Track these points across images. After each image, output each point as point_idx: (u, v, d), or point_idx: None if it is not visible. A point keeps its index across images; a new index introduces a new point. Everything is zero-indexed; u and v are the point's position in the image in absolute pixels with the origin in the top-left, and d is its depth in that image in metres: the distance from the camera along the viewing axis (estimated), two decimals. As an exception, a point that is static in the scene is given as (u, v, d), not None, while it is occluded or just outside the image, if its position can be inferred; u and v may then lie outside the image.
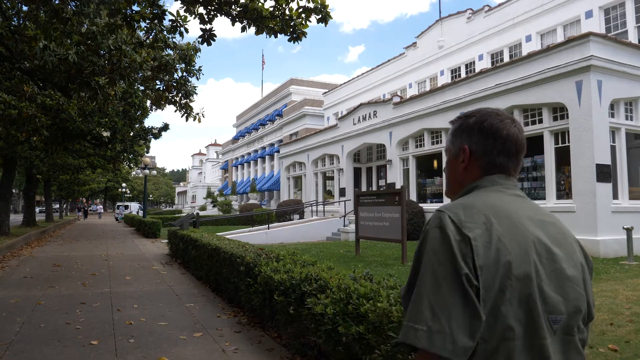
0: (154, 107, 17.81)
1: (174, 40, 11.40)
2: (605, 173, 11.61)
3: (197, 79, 11.86)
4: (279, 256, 5.87)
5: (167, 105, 17.10)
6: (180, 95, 12.02)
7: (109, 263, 11.79)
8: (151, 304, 6.90)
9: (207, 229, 18.71)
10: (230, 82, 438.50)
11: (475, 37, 20.78)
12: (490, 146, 1.27)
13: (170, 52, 11.45)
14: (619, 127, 12.20)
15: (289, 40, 7.14)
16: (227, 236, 13.03)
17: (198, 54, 11.13)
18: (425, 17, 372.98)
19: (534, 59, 12.85)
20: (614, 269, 9.61)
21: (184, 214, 42.57)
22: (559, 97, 12.26)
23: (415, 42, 24.68)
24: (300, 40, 7.03)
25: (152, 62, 11.07)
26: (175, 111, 12.29)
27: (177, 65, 11.44)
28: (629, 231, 10.63)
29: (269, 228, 18.55)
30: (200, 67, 11.69)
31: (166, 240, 17.69)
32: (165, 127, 21.50)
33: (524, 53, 17.33)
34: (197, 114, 12.28)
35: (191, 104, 12.33)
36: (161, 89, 12.40)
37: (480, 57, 20.52)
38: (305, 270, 4.78)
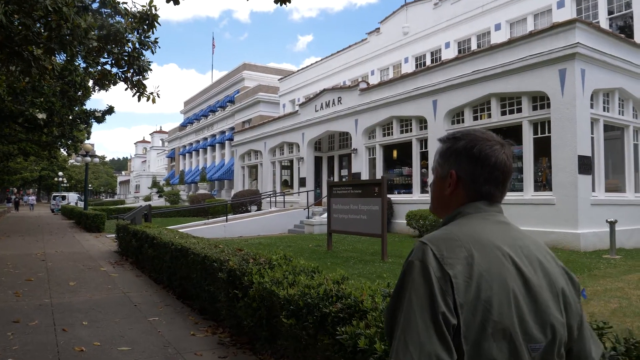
0: (97, 87, 16.08)
1: (125, 5, 9.93)
2: (586, 165, 11.25)
3: (153, 52, 10.42)
4: (271, 261, 4.78)
5: (112, 85, 15.41)
6: (132, 71, 10.54)
7: (48, 264, 10.18)
8: (105, 320, 5.61)
9: (155, 222, 17.13)
10: (175, 68, 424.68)
11: (442, 24, 20.22)
12: (477, 174, 1.26)
13: (121, 19, 9.96)
14: (598, 118, 11.88)
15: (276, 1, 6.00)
16: (180, 230, 11.72)
17: (156, 22, 9.64)
18: (375, 9, 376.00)
19: (515, 45, 12.30)
20: (602, 264, 9.22)
21: (129, 205, 40.08)
22: (540, 85, 11.77)
23: (379, 28, 23.88)
24: (290, 2, 5.90)
25: (98, 30, 9.55)
26: (126, 89, 10.81)
27: (129, 36, 9.96)
28: (612, 224, 10.30)
29: (227, 220, 17.24)
30: (156, 39, 10.25)
31: (112, 235, 16.02)
32: (110, 110, 19.58)
33: (493, 42, 16.91)
34: (151, 93, 10.88)
35: (145, 81, 10.89)
36: (109, 62, 10.84)
37: (447, 45, 20.00)
38: (316, 281, 3.75)
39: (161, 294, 7.16)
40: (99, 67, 13.04)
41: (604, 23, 14.83)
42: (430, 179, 1.67)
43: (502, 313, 1.09)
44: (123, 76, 10.53)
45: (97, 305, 6.37)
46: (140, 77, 10.58)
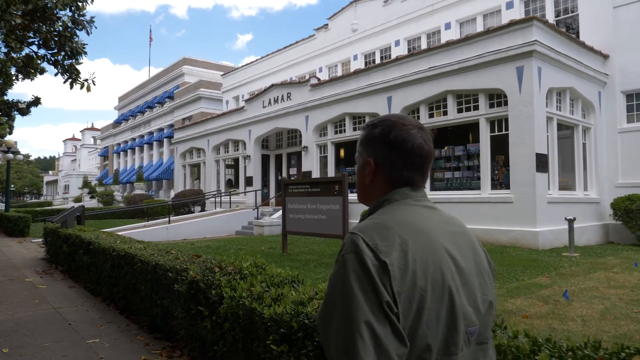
0: (20, 76, 14.46)
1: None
2: (543, 163, 11.26)
3: (88, 33, 9.24)
4: (242, 270, 4.02)
5: (38, 73, 13.95)
6: (63, 53, 9.32)
7: (-41, 274, 8.77)
8: (32, 345, 4.61)
9: (88, 225, 15.63)
10: (108, 63, 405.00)
11: (392, 21, 19.99)
12: (395, 160, 1.25)
13: (51, -6, 8.75)
14: (552, 116, 11.96)
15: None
16: (118, 233, 10.59)
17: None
18: (315, 9, 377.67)
19: (472, 42, 12.14)
20: (565, 263, 9.15)
21: (58, 207, 37.19)
22: (498, 82, 11.68)
23: (327, 24, 23.38)
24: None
25: (23, 4, 8.33)
26: (57, 75, 9.58)
27: (60, 13, 8.77)
28: (570, 222, 10.32)
29: (169, 222, 16.04)
30: (92, 17, 9.10)
31: (39, 240, 14.42)
32: (37, 102, 17.68)
33: (443, 41, 16.86)
34: (86, 80, 9.68)
35: (78, 66, 9.70)
36: (36, 43, 9.55)
37: (397, 43, 19.81)
38: (304, 295, 3.08)
39: (100, 308, 6.16)
40: (23, 53, 11.62)
41: (551, 24, 15.09)
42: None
43: (437, 299, 1.07)
44: (53, 59, 9.29)
45: (21, 325, 5.31)
46: (73, 60, 9.39)
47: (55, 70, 9.65)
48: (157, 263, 4.91)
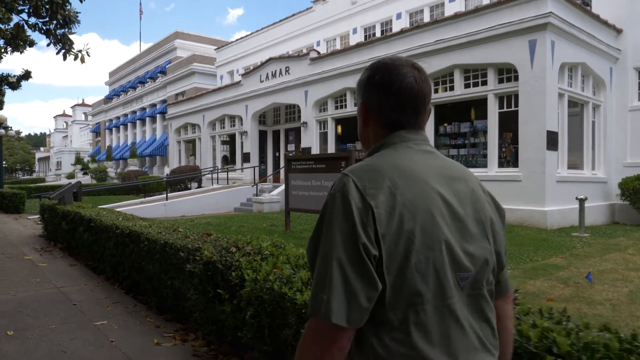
0: (9, 48, 13.90)
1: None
2: (553, 140, 11.01)
3: (81, 0, 8.73)
4: (261, 249, 3.75)
5: (28, 46, 13.44)
6: (55, 22, 8.84)
7: (-47, 252, 8.45)
8: (37, 326, 4.35)
9: (84, 201, 15.23)
10: (96, 38, 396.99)
11: (394, -7, 19.43)
12: (382, 102, 1.23)
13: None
14: (564, 93, 11.64)
15: None
16: (116, 209, 10.30)
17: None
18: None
19: (482, 13, 11.73)
20: (577, 243, 8.98)
21: (51, 183, 36.68)
22: (508, 57, 11.32)
23: (326, -4, 22.72)
24: None
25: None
26: (49, 45, 9.12)
27: (52, -23, 8.27)
28: (581, 202, 10.14)
29: (167, 199, 15.71)
30: (87, -18, 8.59)
31: (35, 216, 14.09)
32: (27, 75, 17.02)
33: (447, 13, 16.39)
34: (80, 51, 9.22)
35: (71, 36, 9.24)
36: (26, 11, 9.06)
37: (399, 16, 19.29)
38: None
39: (104, 287, 5.90)
40: (12, 23, 11.10)
41: None
42: None
43: (425, 243, 1.06)
44: (44, 28, 8.82)
45: (24, 305, 5.04)
46: (66, 29, 8.92)
47: (47, 41, 9.20)
48: (166, 242, 4.63)
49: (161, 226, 5.64)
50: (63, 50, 8.90)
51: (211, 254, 3.76)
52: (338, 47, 21.62)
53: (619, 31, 13.17)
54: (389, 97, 1.21)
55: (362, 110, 1.28)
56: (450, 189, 1.16)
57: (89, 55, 9.09)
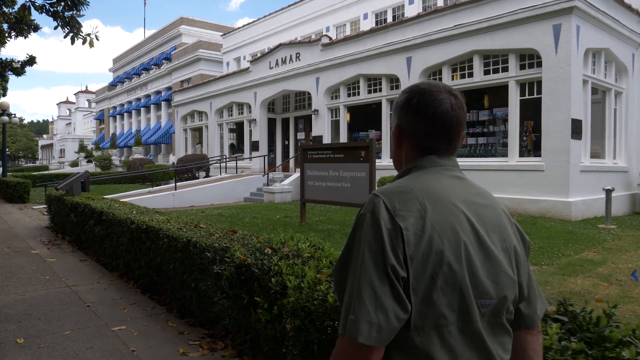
0: (13, 33, 13.49)
1: None
2: (578, 129, 10.59)
3: (90, -20, 8.29)
4: (300, 251, 3.38)
5: (32, 30, 13.08)
6: (63, 3, 8.42)
7: (-42, 245, 8.13)
8: (50, 333, 4.01)
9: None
10: (98, 25, 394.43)
11: (407, -23, 18.83)
12: (417, 126, 1.24)
13: None
14: (587, 79, 11.19)
15: None
16: (123, 200, 9.98)
17: None
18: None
19: (504, -4, 11.23)
20: (607, 236, 8.62)
21: (55, 171, 36.40)
22: (531, 42, 10.85)
23: (336, -20, 22.11)
24: None
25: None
26: (56, 28, 8.69)
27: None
28: (608, 192, 9.76)
29: (175, 189, 15.36)
30: (95, -39, 8.16)
31: (41, 206, 13.79)
32: (32, 60, 16.61)
33: (463, -3, 15.82)
34: (89, 34, 8.81)
35: (79, 19, 8.82)
36: (31, -7, 8.63)
37: (411, 1, 18.71)
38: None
39: (119, 286, 5.57)
40: (18, 6, 10.70)
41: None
42: None
43: (452, 267, 1.07)
44: (52, 10, 8.39)
45: (34, 307, 4.71)
46: (74, 12, 8.51)
47: (55, 24, 8.78)
48: (189, 240, 4.28)
49: (180, 221, 5.29)
50: (71, 34, 8.48)
51: (244, 256, 3.39)
52: (348, 32, 21.07)
53: (642, 15, 12.66)
54: (424, 122, 1.21)
55: (397, 133, 1.28)
56: (477, 215, 1.16)
57: (97, 39, 8.67)
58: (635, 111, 12.88)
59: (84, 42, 8.80)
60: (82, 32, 8.76)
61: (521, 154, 11.57)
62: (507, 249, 1.17)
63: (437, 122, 1.20)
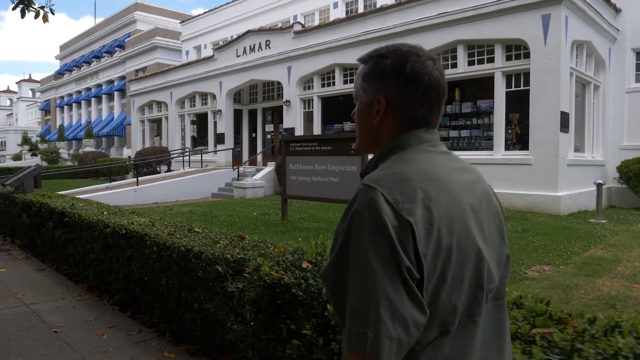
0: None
1: None
2: (566, 122, 10.36)
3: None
4: (317, 262, 2.68)
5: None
6: (11, -29, 7.25)
7: None
8: (10, 374, 3.11)
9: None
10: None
11: (380, -36, 18.25)
12: (410, 96, 1.06)
13: None
14: (573, 72, 10.98)
15: None
16: (79, 196, 8.87)
17: None
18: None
19: (491, -17, 10.83)
20: (604, 231, 8.39)
21: (0, 165, 33.73)
22: (519, 32, 10.50)
23: (304, -34, 21.28)
24: None
25: None
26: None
27: None
28: (599, 186, 9.54)
29: (137, 184, 14.18)
30: None
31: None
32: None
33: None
34: (42, 7, 7.66)
35: (31, -9, 7.65)
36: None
37: (384, -10, 18.14)
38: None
39: (90, 302, 4.64)
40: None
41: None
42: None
43: (462, 259, 0.96)
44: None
45: (-16, 335, 3.75)
46: (25, -19, 7.34)
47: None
48: (188, 249, 3.46)
49: (168, 224, 4.43)
50: (22, 5, 7.33)
51: (278, 273, 2.63)
52: (317, 22, 20.30)
53: (618, 10, 12.64)
54: (418, 90, 1.05)
55: (381, 105, 1.08)
56: (472, 194, 1.04)
57: (53, 14, 7.55)
58: (611, 105, 12.86)
59: (36, 16, 7.63)
60: (34, 4, 7.63)
61: (506, 148, 11.25)
62: (499, 225, 1.10)
63: (431, 90, 1.06)
